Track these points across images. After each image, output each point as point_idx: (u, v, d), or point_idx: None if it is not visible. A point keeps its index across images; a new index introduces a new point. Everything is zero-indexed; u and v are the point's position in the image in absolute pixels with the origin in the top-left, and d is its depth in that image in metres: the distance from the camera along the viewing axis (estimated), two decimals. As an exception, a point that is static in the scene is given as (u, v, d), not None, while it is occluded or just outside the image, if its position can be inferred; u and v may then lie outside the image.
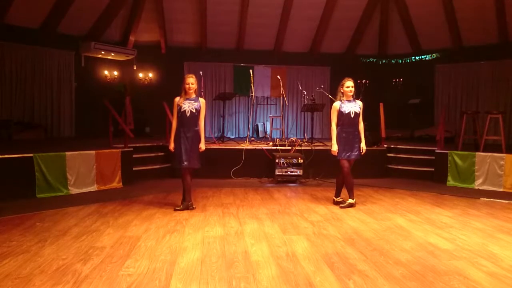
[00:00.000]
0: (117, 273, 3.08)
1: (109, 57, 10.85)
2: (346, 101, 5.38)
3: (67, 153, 6.17)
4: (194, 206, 5.31)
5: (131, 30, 10.90)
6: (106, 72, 11.01)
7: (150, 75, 11.59)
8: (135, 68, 11.41)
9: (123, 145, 7.16)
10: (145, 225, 4.47)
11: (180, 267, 3.23)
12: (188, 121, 5.06)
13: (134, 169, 7.23)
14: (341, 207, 5.44)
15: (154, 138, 9.29)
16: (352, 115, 5.33)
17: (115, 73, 11.19)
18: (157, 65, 11.62)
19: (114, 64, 11.16)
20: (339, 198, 5.72)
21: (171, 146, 5.13)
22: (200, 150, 5.16)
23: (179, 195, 6.16)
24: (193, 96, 5.16)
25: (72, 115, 10.30)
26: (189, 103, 5.09)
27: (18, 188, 5.62)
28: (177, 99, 5.14)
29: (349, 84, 5.37)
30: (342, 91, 5.43)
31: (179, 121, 5.10)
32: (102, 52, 10.36)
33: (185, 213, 5.05)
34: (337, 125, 5.40)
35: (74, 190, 6.16)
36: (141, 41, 11.30)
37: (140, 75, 11.52)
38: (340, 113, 5.35)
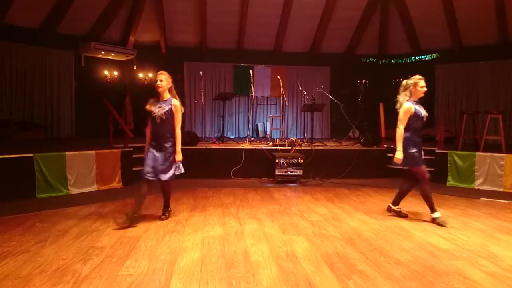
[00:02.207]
0: (117, 273, 3.08)
1: (109, 57, 10.85)
2: (414, 102, 4.69)
3: (67, 153, 6.17)
4: (162, 215, 4.71)
5: (131, 30, 10.90)
6: (106, 72, 11.01)
7: (150, 75, 11.59)
8: (135, 68, 11.42)
9: (123, 145, 7.16)
10: (145, 225, 4.46)
11: (180, 267, 3.23)
12: (159, 127, 4.40)
13: (134, 169, 7.22)
14: (437, 223, 4.59)
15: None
16: (425, 119, 4.70)
17: (115, 73, 11.19)
18: (157, 65, 11.57)
19: (114, 64, 11.16)
20: (397, 207, 5.03)
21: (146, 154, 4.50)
22: (175, 162, 4.48)
23: (179, 194, 6.18)
24: (167, 97, 4.47)
25: (72, 115, 10.30)
26: (159, 107, 4.40)
27: (18, 188, 5.62)
28: (148, 105, 4.47)
29: (423, 84, 4.69)
30: (412, 90, 4.70)
31: (152, 127, 4.47)
32: (102, 52, 10.36)
33: (185, 213, 5.05)
34: (406, 130, 4.68)
35: (74, 190, 6.16)
36: (141, 41, 11.30)
37: (140, 75, 11.52)
38: (416, 116, 4.62)
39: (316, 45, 12.03)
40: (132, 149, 7.26)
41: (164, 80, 4.43)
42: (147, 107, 4.46)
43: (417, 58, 11.78)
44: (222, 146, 8.25)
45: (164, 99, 4.46)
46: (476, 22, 10.24)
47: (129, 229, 4.28)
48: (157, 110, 4.39)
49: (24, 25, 9.16)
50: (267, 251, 3.65)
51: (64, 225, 4.40)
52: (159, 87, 4.41)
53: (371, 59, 12.32)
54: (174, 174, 4.49)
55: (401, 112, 4.71)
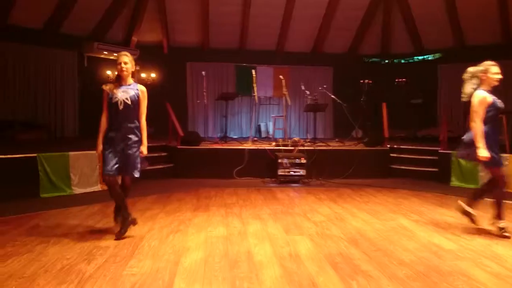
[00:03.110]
0: (120, 273, 3.08)
1: (112, 57, 10.87)
2: (488, 91, 4.05)
3: (71, 153, 6.19)
4: (135, 219, 4.09)
5: (133, 30, 10.93)
6: (109, 72, 11.03)
7: (153, 75, 11.62)
8: (137, 68, 11.39)
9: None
10: (148, 224, 4.47)
11: (184, 267, 3.23)
12: (121, 115, 3.84)
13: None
14: (501, 233, 4.07)
15: (157, 138, 9.30)
16: (501, 110, 4.06)
17: (118, 73, 11.20)
18: (159, 65, 11.65)
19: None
20: (503, 222, 4.12)
21: (99, 148, 3.95)
22: (141, 155, 4.00)
23: (182, 194, 6.19)
24: (130, 82, 3.95)
25: (76, 115, 10.33)
26: (123, 91, 3.86)
27: (22, 188, 5.64)
28: (107, 86, 3.93)
29: (497, 70, 4.12)
30: (483, 78, 4.11)
31: (109, 115, 3.90)
32: (105, 52, 10.40)
33: (188, 213, 5.05)
34: (484, 123, 3.97)
35: (77, 190, 6.18)
36: (144, 41, 11.33)
37: (143, 75, 11.54)
38: (493, 107, 3.97)
39: (318, 45, 12.03)
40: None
41: (128, 62, 3.89)
42: (106, 88, 3.89)
43: (419, 57, 11.76)
44: (225, 146, 8.25)
45: (128, 84, 3.93)
46: (479, 22, 10.23)
47: (133, 228, 4.27)
48: (120, 94, 3.84)
49: (27, 25, 9.19)
50: (270, 251, 3.65)
51: (68, 225, 4.42)
52: (123, 70, 3.85)
53: (374, 59, 12.31)
54: (140, 170, 4.03)
55: (475, 102, 3.99)
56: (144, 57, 11.23)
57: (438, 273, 3.16)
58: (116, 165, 3.85)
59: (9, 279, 2.94)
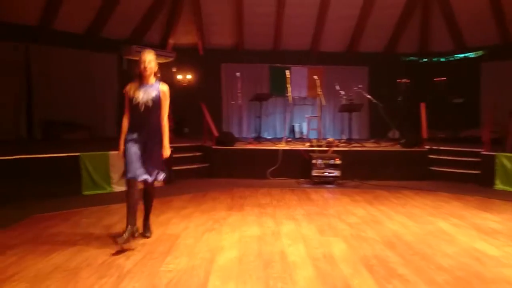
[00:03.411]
0: (157, 269, 3.17)
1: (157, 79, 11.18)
2: None
3: (111, 152, 6.42)
4: (146, 232, 3.99)
5: (170, 33, 11.19)
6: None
7: (189, 76, 11.84)
8: (174, 70, 11.70)
9: (162, 145, 7.34)
10: (184, 223, 4.57)
11: (218, 265, 3.28)
12: (143, 116, 3.67)
13: (173, 168, 7.40)
14: None
15: (193, 139, 9.48)
16: None
17: (155, 75, 11.50)
18: (195, 67, 11.85)
19: (154, 67, 11.48)
20: None
21: (121, 149, 3.74)
22: (163, 157, 3.82)
23: (217, 194, 6.27)
24: (152, 81, 3.72)
25: (115, 115, 10.70)
26: (144, 91, 3.66)
27: (65, 185, 5.92)
28: (128, 86, 3.72)
29: None
30: None
31: (131, 116, 3.72)
32: (143, 55, 10.69)
33: (223, 212, 5.10)
34: None
35: (117, 188, 6.39)
36: (180, 44, 11.56)
37: (179, 77, 11.79)
38: None
39: (353, 44, 11.82)
40: (172, 148, 7.42)
41: (152, 61, 3.67)
42: (128, 91, 3.69)
43: (461, 55, 11.30)
44: (259, 147, 8.29)
45: (150, 83, 3.71)
46: (526, 17, 9.70)
47: (169, 226, 4.39)
48: (142, 95, 3.65)
49: (70, 30, 9.63)
50: (304, 252, 3.63)
51: (108, 221, 4.59)
52: (146, 69, 3.63)
53: (412, 58, 11.95)
54: (164, 175, 3.89)
55: None
56: (180, 59, 11.46)
57: (480, 280, 3.03)
58: (138, 168, 3.64)
59: (54, 272, 3.10)
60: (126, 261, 3.32)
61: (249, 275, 3.10)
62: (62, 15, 9.12)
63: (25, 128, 9.07)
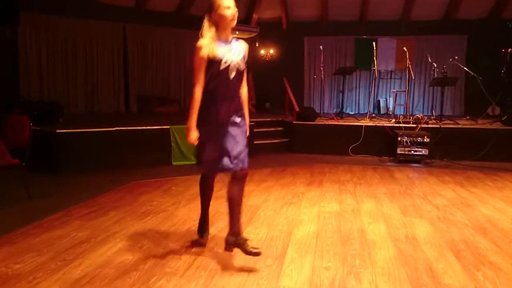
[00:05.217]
0: (239, 238, 3.34)
1: (234, 36, 11.39)
2: None
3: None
4: (244, 239, 2.83)
5: (254, 8, 11.24)
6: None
7: (271, 51, 11.87)
8: (257, 45, 11.80)
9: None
10: (264, 195, 4.71)
11: (296, 238, 3.36)
12: (231, 86, 2.74)
13: (254, 142, 7.60)
14: None
15: (274, 113, 9.58)
16: None
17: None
18: (278, 41, 11.81)
19: (238, 42, 11.72)
20: None
21: (193, 136, 2.73)
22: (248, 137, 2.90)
23: (296, 169, 6.32)
24: (230, 37, 2.82)
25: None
26: (228, 49, 2.72)
27: (158, 155, 6.43)
28: (203, 44, 2.71)
29: None
30: None
31: (212, 86, 2.70)
32: (228, 31, 10.96)
33: (302, 187, 5.15)
34: None
35: (202, 160, 6.77)
36: (263, 18, 11.57)
37: (262, 51, 11.87)
38: None
39: (451, 10, 10.74)
40: (253, 123, 7.61)
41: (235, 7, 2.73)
42: (206, 50, 2.69)
43: None
44: (341, 122, 8.11)
45: (229, 39, 2.79)
46: None
47: (250, 198, 4.55)
48: (227, 55, 2.69)
49: (162, 9, 10.17)
50: (385, 232, 3.54)
51: (195, 190, 4.86)
52: (235, 18, 2.78)
53: (521, 24, 10.53)
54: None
55: None
56: (263, 34, 11.52)
57: None
58: (220, 158, 2.72)
59: (148, 233, 3.45)
60: (210, 229, 3.55)
61: (326, 249, 3.13)
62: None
63: (123, 102, 9.97)
